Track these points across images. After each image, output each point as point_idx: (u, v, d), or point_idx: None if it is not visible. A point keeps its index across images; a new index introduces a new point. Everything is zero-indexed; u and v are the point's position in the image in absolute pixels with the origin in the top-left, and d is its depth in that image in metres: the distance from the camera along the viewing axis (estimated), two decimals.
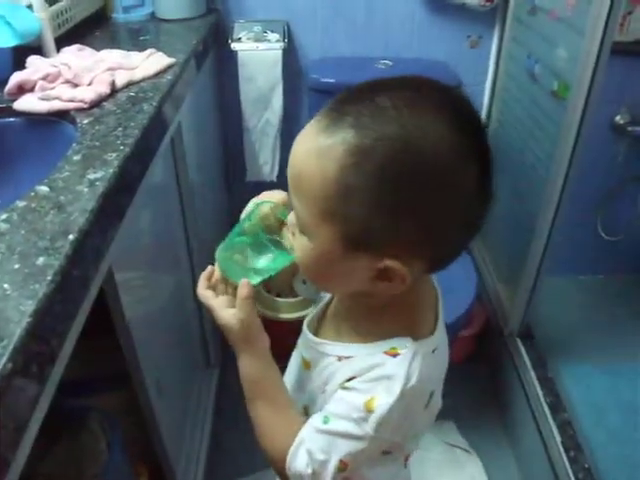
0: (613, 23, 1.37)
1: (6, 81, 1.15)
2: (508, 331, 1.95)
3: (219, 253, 0.79)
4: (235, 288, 0.77)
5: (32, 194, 0.82)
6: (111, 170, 0.88)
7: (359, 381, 0.71)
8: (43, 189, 0.83)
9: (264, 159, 2.06)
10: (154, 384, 1.19)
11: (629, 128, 2.09)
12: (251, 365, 0.77)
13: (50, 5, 1.36)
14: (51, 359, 0.66)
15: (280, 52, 1.86)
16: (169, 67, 1.31)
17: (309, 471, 0.71)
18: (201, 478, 1.60)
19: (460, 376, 2.01)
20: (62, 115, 1.11)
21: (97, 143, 0.97)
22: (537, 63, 1.75)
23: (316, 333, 0.84)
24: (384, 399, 0.67)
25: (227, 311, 0.76)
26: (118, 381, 1.18)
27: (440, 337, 0.76)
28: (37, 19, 1.26)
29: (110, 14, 1.75)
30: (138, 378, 1.12)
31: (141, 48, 1.37)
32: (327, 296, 0.89)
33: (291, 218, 0.73)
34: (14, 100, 1.13)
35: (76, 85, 1.16)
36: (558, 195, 1.61)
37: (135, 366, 1.10)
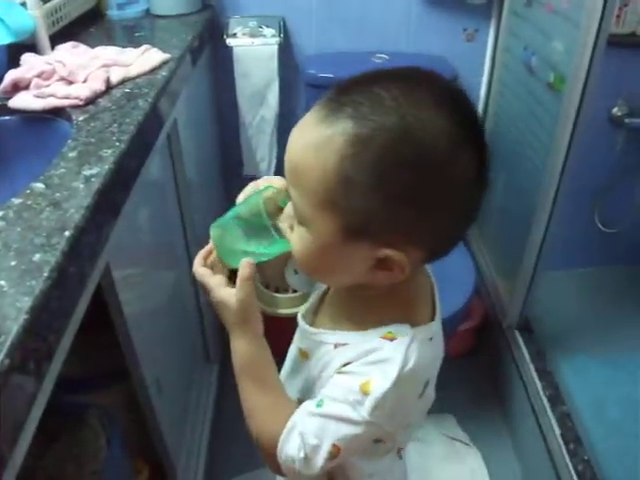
0: (609, 15, 1.37)
1: (1, 79, 1.15)
2: (507, 324, 1.96)
3: (213, 230, 0.78)
4: (230, 270, 0.77)
5: (28, 191, 0.81)
6: (107, 166, 0.87)
7: (355, 365, 0.70)
8: (39, 186, 0.83)
9: (261, 155, 2.06)
10: (153, 380, 1.19)
11: (626, 120, 2.09)
12: (246, 346, 0.76)
13: (44, 3, 1.35)
14: (48, 355, 0.66)
15: (276, 47, 1.85)
16: (164, 63, 1.31)
17: (301, 455, 0.70)
18: (202, 474, 1.60)
19: (459, 369, 2.03)
20: (57, 112, 1.11)
21: (92, 139, 0.96)
22: (533, 55, 1.75)
23: (312, 324, 0.84)
24: (380, 382, 0.67)
25: (225, 290, 0.75)
26: (117, 378, 1.18)
27: (437, 327, 0.76)
28: (31, 17, 1.26)
29: (105, 11, 1.74)
30: (137, 375, 1.12)
31: (136, 44, 1.36)
32: (321, 287, 0.89)
33: (288, 210, 0.72)
34: (9, 98, 1.13)
35: (71, 82, 1.15)
36: (555, 188, 1.61)
37: (134, 362, 1.10)
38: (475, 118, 0.66)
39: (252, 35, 1.86)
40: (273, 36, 1.86)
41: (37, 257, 0.68)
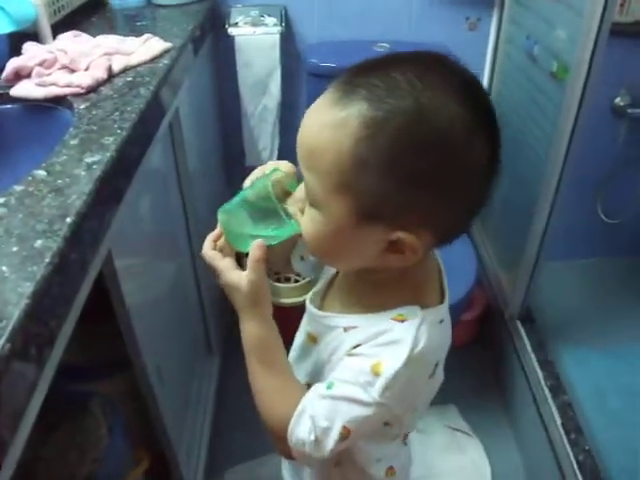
0: (612, 3, 1.36)
1: (2, 68, 1.15)
2: (508, 315, 1.96)
3: (221, 214, 0.78)
4: (237, 253, 0.77)
5: (29, 178, 0.81)
6: (108, 154, 0.87)
7: (366, 347, 0.71)
8: (40, 173, 0.82)
9: (263, 144, 2.06)
10: (155, 370, 1.19)
11: (629, 110, 2.09)
12: (256, 328, 0.76)
13: None
14: (50, 341, 0.67)
15: (278, 36, 1.85)
16: (166, 52, 1.31)
17: (312, 438, 0.70)
18: (203, 464, 1.60)
19: (461, 359, 2.03)
20: (59, 101, 1.11)
21: (94, 127, 0.96)
22: (536, 44, 1.74)
23: (320, 308, 0.84)
24: (391, 362, 0.67)
25: (236, 272, 0.75)
26: (120, 367, 1.18)
27: (446, 310, 0.77)
28: (33, 5, 1.26)
29: (106, 0, 1.74)
30: (139, 364, 1.13)
31: (138, 34, 1.36)
32: (329, 273, 0.89)
33: (299, 193, 0.72)
34: (11, 87, 1.13)
35: (73, 70, 1.15)
36: (557, 177, 1.61)
37: (136, 352, 1.10)
38: (489, 105, 0.67)
39: (254, 24, 1.85)
40: (275, 25, 1.85)
41: (39, 243, 0.68)
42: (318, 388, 0.73)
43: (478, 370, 2.09)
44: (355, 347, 0.72)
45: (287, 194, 0.77)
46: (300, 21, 2.02)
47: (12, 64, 1.14)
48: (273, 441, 0.78)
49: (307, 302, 0.86)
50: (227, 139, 2.20)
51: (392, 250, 0.67)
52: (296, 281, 1.99)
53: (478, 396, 2.01)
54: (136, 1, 1.75)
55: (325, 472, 0.88)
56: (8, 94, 1.12)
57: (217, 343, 1.94)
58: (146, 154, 1.09)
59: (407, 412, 0.76)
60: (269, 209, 0.73)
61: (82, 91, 1.09)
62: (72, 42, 1.25)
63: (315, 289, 0.89)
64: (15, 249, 0.67)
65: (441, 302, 0.76)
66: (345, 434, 0.69)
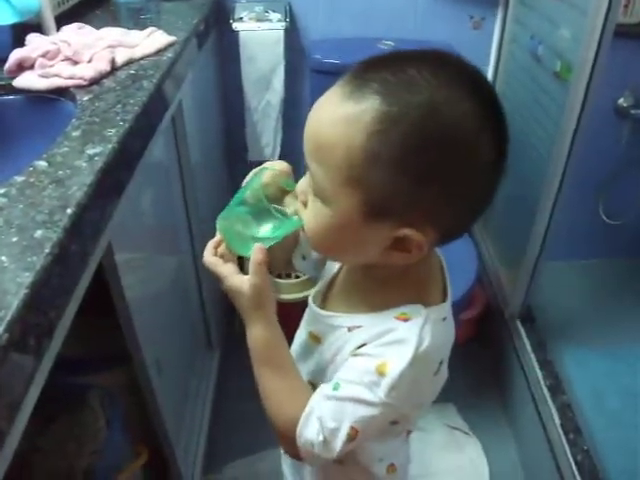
0: (616, 3, 1.36)
1: (6, 59, 1.14)
2: (509, 314, 1.96)
3: (219, 222, 0.78)
4: (239, 257, 0.77)
5: (30, 169, 0.81)
6: (110, 146, 0.87)
7: (370, 347, 0.71)
8: (42, 164, 0.82)
9: (266, 140, 2.06)
10: (154, 364, 1.19)
11: (632, 111, 2.08)
12: (262, 331, 0.76)
13: None
14: (49, 332, 0.66)
15: (282, 32, 1.85)
16: (170, 45, 1.30)
17: (320, 439, 0.70)
18: (201, 458, 1.60)
19: (460, 358, 2.01)
20: (61, 92, 1.11)
21: (96, 119, 0.96)
22: (540, 44, 1.74)
23: (323, 307, 0.84)
24: (396, 362, 0.67)
25: (239, 277, 0.75)
26: (119, 360, 1.18)
27: (449, 307, 0.77)
28: None
29: None
30: (138, 357, 1.13)
31: (142, 27, 1.36)
32: (330, 272, 0.88)
33: (302, 186, 0.72)
34: (14, 78, 1.13)
35: (76, 62, 1.15)
36: (560, 177, 1.61)
37: (135, 346, 1.10)
38: (498, 102, 0.67)
39: (258, 19, 1.85)
40: (279, 21, 1.85)
41: (39, 233, 0.67)
42: (324, 389, 0.73)
43: (477, 369, 2.09)
44: (359, 347, 0.72)
45: (284, 192, 0.77)
46: (304, 17, 2.02)
47: (15, 55, 1.14)
48: (280, 441, 0.79)
49: (310, 301, 0.86)
50: (230, 134, 2.20)
51: (396, 248, 0.67)
52: (297, 277, 1.99)
53: (477, 395, 2.01)
54: None
55: (326, 469, 0.89)
56: (11, 85, 1.12)
57: (217, 338, 1.94)
58: (148, 147, 1.09)
59: (413, 410, 0.76)
60: (264, 209, 0.74)
61: (85, 83, 1.09)
62: (76, 34, 1.25)
63: (316, 289, 0.88)
64: (15, 239, 0.67)
65: (444, 299, 0.76)
66: (353, 435, 0.69)
